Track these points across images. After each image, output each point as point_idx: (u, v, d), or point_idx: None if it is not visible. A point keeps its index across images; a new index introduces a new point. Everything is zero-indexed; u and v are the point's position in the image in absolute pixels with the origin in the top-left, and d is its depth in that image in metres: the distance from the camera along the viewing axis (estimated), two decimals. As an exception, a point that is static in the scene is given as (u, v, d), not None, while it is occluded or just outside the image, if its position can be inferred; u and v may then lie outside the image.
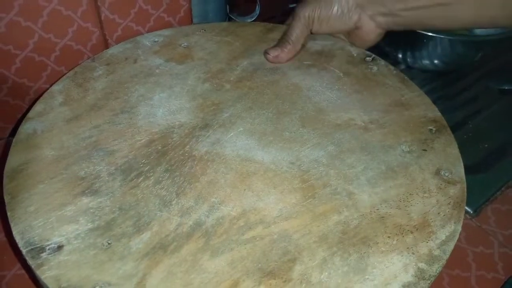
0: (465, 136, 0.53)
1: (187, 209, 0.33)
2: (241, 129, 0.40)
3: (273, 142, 0.39)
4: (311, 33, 0.50)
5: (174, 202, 0.34)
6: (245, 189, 0.35)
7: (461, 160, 0.37)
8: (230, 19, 0.64)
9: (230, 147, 0.38)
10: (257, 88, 0.44)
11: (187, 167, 0.36)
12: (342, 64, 0.47)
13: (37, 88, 0.50)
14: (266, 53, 0.48)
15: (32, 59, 0.47)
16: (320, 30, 0.49)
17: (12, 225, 0.31)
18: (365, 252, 0.31)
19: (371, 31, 0.47)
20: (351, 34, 0.50)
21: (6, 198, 0.33)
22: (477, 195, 0.46)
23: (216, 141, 0.39)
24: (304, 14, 0.47)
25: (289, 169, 0.36)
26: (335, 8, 0.46)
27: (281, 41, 0.48)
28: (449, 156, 0.38)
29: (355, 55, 0.49)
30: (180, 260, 0.30)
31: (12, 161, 0.36)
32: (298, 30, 0.48)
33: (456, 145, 0.39)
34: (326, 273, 0.30)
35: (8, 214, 0.32)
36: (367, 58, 0.48)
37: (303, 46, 0.49)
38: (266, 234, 0.32)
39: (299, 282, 0.29)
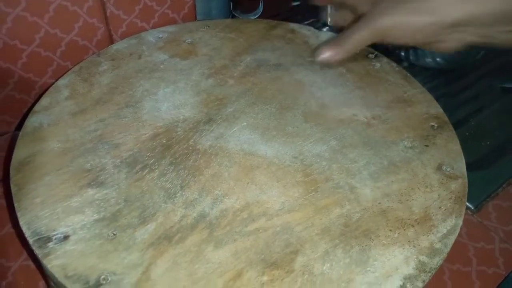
0: (467, 133, 0.53)
1: (191, 201, 0.34)
2: (245, 123, 0.40)
3: (276, 136, 0.39)
4: (378, 43, 0.39)
5: (178, 194, 0.34)
6: (248, 182, 0.35)
7: (462, 155, 0.38)
8: (233, 17, 0.65)
9: (233, 141, 0.39)
10: (261, 84, 0.45)
11: (191, 161, 0.37)
12: (345, 61, 0.48)
13: (43, 83, 0.50)
14: (317, 49, 0.40)
15: (38, 54, 0.48)
16: (394, 41, 0.38)
17: (19, 215, 0.32)
18: (366, 245, 0.31)
19: (451, 47, 0.38)
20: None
21: (13, 189, 0.34)
22: (479, 192, 0.46)
23: (219, 136, 0.39)
24: (381, 24, 0.37)
25: (292, 163, 0.37)
26: (424, 19, 0.36)
27: (337, 42, 0.40)
28: (450, 152, 0.38)
29: (357, 51, 0.49)
30: (184, 250, 0.30)
31: (19, 153, 0.36)
32: (362, 39, 0.38)
33: (458, 141, 0.39)
34: (328, 265, 0.30)
35: (15, 205, 0.33)
36: (370, 55, 0.48)
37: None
38: (269, 226, 0.32)
39: (302, 273, 0.29)
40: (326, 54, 0.40)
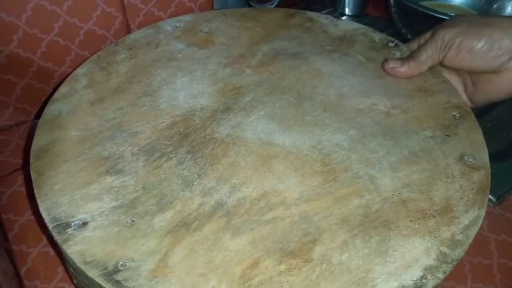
0: (488, 124, 0.52)
1: (209, 189, 0.33)
2: (262, 113, 0.40)
3: (294, 126, 0.39)
4: (442, 62, 0.42)
5: (196, 182, 0.34)
6: (265, 172, 0.35)
7: (485, 145, 0.37)
8: (250, 6, 0.64)
9: (251, 131, 0.38)
10: (278, 73, 0.44)
11: (209, 149, 0.37)
12: (365, 50, 0.47)
13: (61, 72, 0.51)
14: (385, 61, 0.44)
15: (56, 43, 0.48)
16: (454, 61, 0.41)
17: (39, 201, 0.32)
18: (386, 235, 0.31)
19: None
20: (480, 79, 0.42)
21: (33, 176, 0.34)
22: (501, 184, 0.45)
23: (237, 125, 0.39)
24: (444, 36, 0.41)
25: (310, 152, 0.36)
26: (482, 42, 0.39)
27: (408, 56, 0.44)
28: (473, 142, 0.37)
29: (377, 40, 0.48)
30: (202, 238, 0.30)
31: (39, 140, 0.37)
32: (430, 51, 0.42)
33: (480, 131, 0.38)
34: (347, 255, 0.30)
35: (35, 191, 0.33)
36: (390, 44, 0.48)
37: (431, 69, 0.44)
38: (287, 215, 0.32)
39: (320, 262, 0.29)
40: (394, 65, 0.43)
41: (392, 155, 0.36)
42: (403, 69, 0.43)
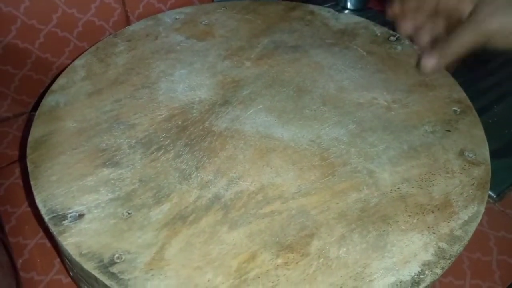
0: (490, 121, 0.52)
1: (206, 182, 0.33)
2: (261, 106, 0.40)
3: (293, 119, 0.38)
4: (482, 48, 0.37)
5: (193, 175, 0.34)
6: (263, 165, 0.35)
7: (486, 141, 0.37)
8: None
9: (249, 124, 0.38)
10: (278, 66, 0.44)
11: (207, 142, 0.36)
12: (366, 43, 0.46)
13: (60, 63, 0.50)
14: (421, 61, 0.40)
15: (55, 34, 0.48)
16: (498, 45, 0.36)
17: (35, 193, 0.32)
18: (384, 230, 0.31)
19: None
20: None
21: (30, 167, 0.34)
22: (501, 180, 0.45)
23: (235, 118, 0.39)
24: (487, 26, 0.35)
25: (308, 146, 0.36)
26: None
27: (441, 47, 0.39)
28: (473, 137, 0.37)
29: (379, 34, 0.48)
30: (199, 231, 0.30)
31: (36, 132, 0.37)
32: (467, 43, 0.37)
33: (481, 126, 0.38)
34: (345, 249, 0.29)
35: (32, 182, 0.33)
36: (391, 38, 0.47)
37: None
38: (284, 209, 0.32)
39: (317, 256, 0.29)
40: (432, 62, 0.39)
41: (392, 149, 0.36)
42: (441, 63, 0.39)
